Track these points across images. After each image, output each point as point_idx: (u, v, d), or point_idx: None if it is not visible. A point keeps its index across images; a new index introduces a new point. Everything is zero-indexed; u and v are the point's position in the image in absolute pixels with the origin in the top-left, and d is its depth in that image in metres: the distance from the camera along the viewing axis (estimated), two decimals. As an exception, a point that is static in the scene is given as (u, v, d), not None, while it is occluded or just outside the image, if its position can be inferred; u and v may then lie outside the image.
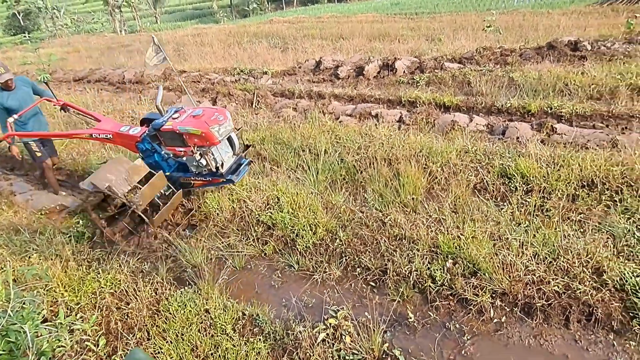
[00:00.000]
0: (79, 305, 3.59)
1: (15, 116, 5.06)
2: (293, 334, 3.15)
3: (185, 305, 3.49)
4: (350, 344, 3.04)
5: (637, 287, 3.10)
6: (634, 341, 2.92)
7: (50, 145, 5.99)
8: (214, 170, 4.39)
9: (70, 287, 3.77)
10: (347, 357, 2.96)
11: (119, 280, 3.84)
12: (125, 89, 11.48)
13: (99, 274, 3.91)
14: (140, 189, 4.35)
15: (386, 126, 6.28)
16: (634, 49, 8.20)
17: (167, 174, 4.61)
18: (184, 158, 4.48)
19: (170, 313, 3.44)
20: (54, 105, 5.52)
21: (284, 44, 15.54)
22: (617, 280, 3.21)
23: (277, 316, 3.46)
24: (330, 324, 3.19)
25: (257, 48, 15.32)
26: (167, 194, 4.70)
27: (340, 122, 6.95)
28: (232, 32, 21.14)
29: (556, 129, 5.71)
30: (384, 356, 2.99)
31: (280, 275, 3.99)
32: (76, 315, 3.47)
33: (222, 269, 4.08)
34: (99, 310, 3.55)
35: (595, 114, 5.94)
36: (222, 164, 4.43)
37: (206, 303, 3.51)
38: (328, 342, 3.07)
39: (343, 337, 3.09)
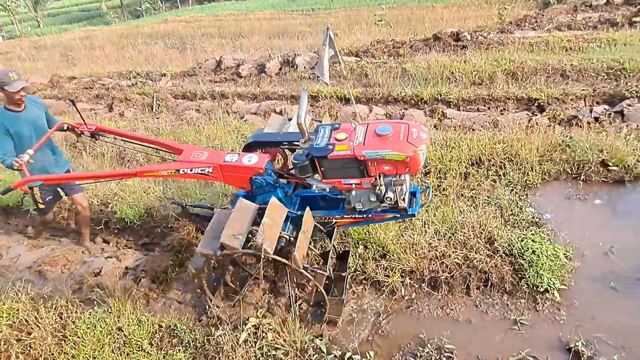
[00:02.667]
0: (-29, 344, 3.23)
1: (31, 151, 3.53)
2: (214, 339, 3.12)
3: (95, 327, 3.28)
4: (273, 340, 3.07)
5: (523, 250, 3.50)
6: (524, 299, 3.29)
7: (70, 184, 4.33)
8: (398, 205, 3.12)
9: (-43, 326, 3.37)
10: (269, 353, 3.00)
11: (17, 310, 3.50)
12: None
13: (-9, 306, 3.54)
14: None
15: (291, 122, 6.37)
16: (506, 38, 9.12)
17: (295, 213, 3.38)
18: (353, 193, 3.17)
19: (78, 337, 3.22)
20: (80, 131, 3.99)
21: (182, 44, 15.03)
22: (506, 247, 3.60)
23: (197, 324, 3.39)
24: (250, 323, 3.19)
25: (153, 49, 14.67)
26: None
27: (245, 121, 6.93)
28: (124, 34, 20.01)
29: (446, 113, 6.21)
30: (306, 347, 3.07)
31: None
32: (-32, 355, 3.12)
33: (137, 282, 3.90)
34: (-4, 345, 3.23)
35: (478, 98, 6.54)
36: (405, 195, 3.23)
37: (118, 320, 3.33)
38: (250, 342, 3.07)
39: (265, 334, 3.11)
